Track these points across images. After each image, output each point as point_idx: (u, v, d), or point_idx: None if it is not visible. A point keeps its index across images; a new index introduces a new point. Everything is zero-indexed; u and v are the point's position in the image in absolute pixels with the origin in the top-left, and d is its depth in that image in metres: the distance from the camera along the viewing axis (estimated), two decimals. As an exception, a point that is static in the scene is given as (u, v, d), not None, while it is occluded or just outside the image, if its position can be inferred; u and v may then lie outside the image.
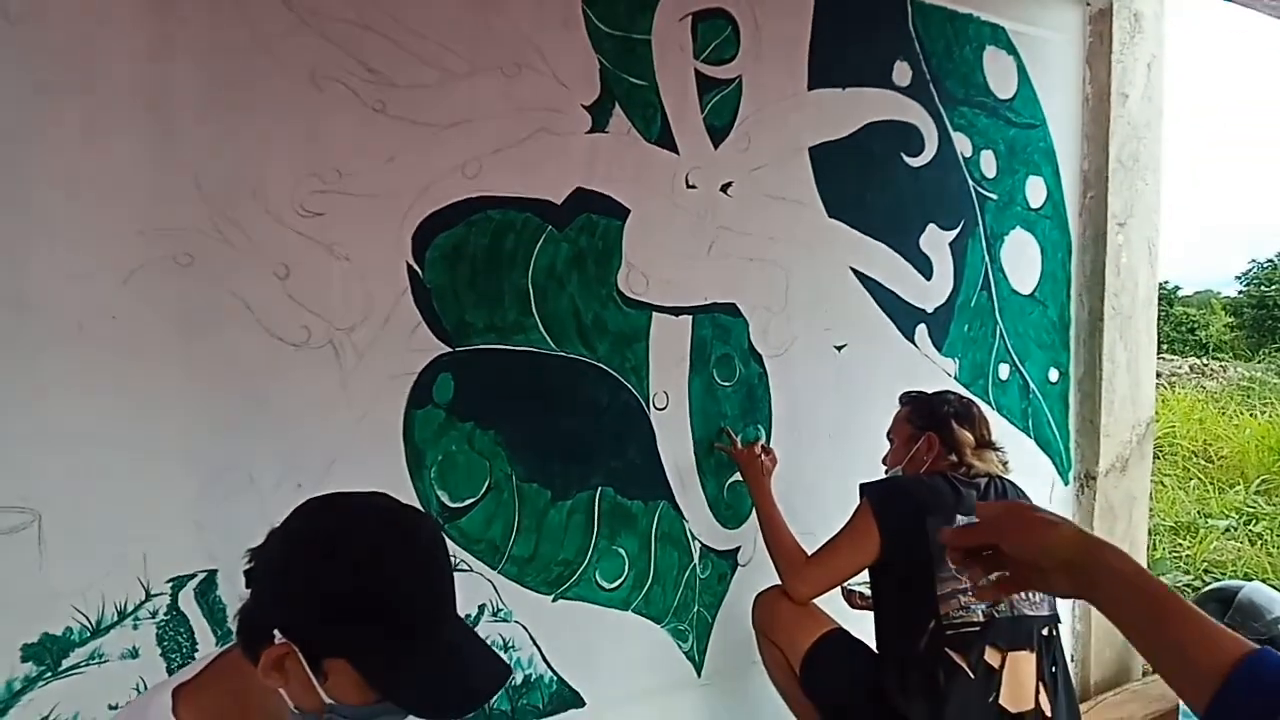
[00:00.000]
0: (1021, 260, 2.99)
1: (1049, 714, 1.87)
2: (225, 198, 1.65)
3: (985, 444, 2.12)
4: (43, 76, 1.50)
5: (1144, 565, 3.35)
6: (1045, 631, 1.93)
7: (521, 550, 2.03)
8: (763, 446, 2.29)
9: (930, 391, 2.22)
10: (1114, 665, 3.19)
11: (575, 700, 2.11)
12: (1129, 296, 3.19)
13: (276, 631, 0.96)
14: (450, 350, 1.93)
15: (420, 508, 1.76)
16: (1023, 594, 1.93)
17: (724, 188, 2.32)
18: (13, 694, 1.48)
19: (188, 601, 1.63)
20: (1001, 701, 1.84)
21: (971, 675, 1.84)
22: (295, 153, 1.72)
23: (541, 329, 2.06)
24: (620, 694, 2.17)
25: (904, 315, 2.70)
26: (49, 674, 1.51)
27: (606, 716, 2.15)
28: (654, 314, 2.23)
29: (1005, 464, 2.12)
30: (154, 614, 1.60)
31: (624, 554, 2.18)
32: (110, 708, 1.51)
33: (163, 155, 1.60)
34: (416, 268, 1.87)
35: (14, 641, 1.48)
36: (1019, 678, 1.87)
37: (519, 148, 1.99)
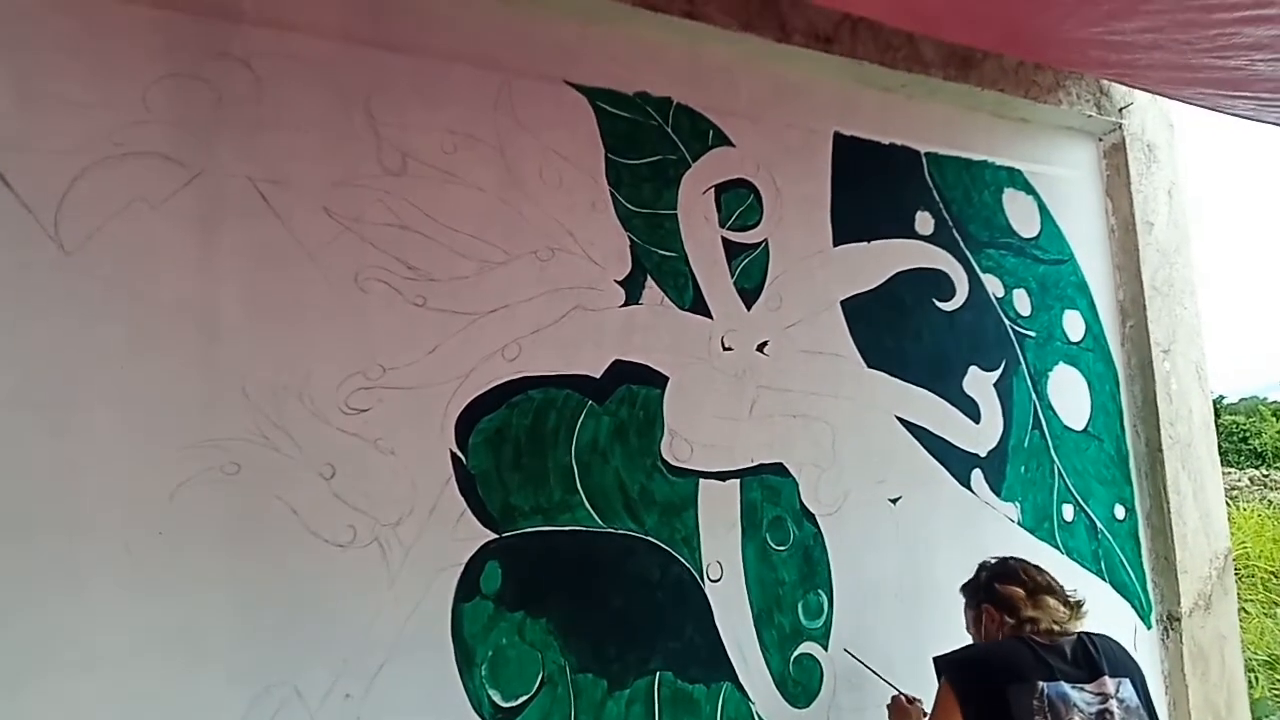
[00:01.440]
0: (1070, 395, 2.92)
1: None
2: (272, 403, 1.66)
3: (1038, 590, 1.98)
4: (93, 300, 1.54)
5: (1247, 714, 3.08)
6: None
7: (581, 749, 1.90)
8: (908, 697, 2.12)
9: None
10: (1235, 830, 2.89)
11: None
12: (1185, 424, 3.10)
13: None
14: (497, 536, 1.88)
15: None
16: None
17: (760, 347, 2.32)
18: None
19: (232, 836, 1.53)
20: None
21: None
22: (340, 352, 1.74)
23: (588, 506, 2.01)
24: None
25: (957, 461, 2.62)
26: None
27: None
28: (700, 480, 2.18)
29: (1076, 605, 1.97)
30: None
31: (689, 745, 2.04)
32: None
33: (210, 366, 1.62)
34: (460, 454, 1.85)
35: None
36: None
37: (556, 326, 2.00)
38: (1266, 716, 4.06)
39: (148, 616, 1.51)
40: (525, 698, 1.86)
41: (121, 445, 1.52)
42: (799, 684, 2.22)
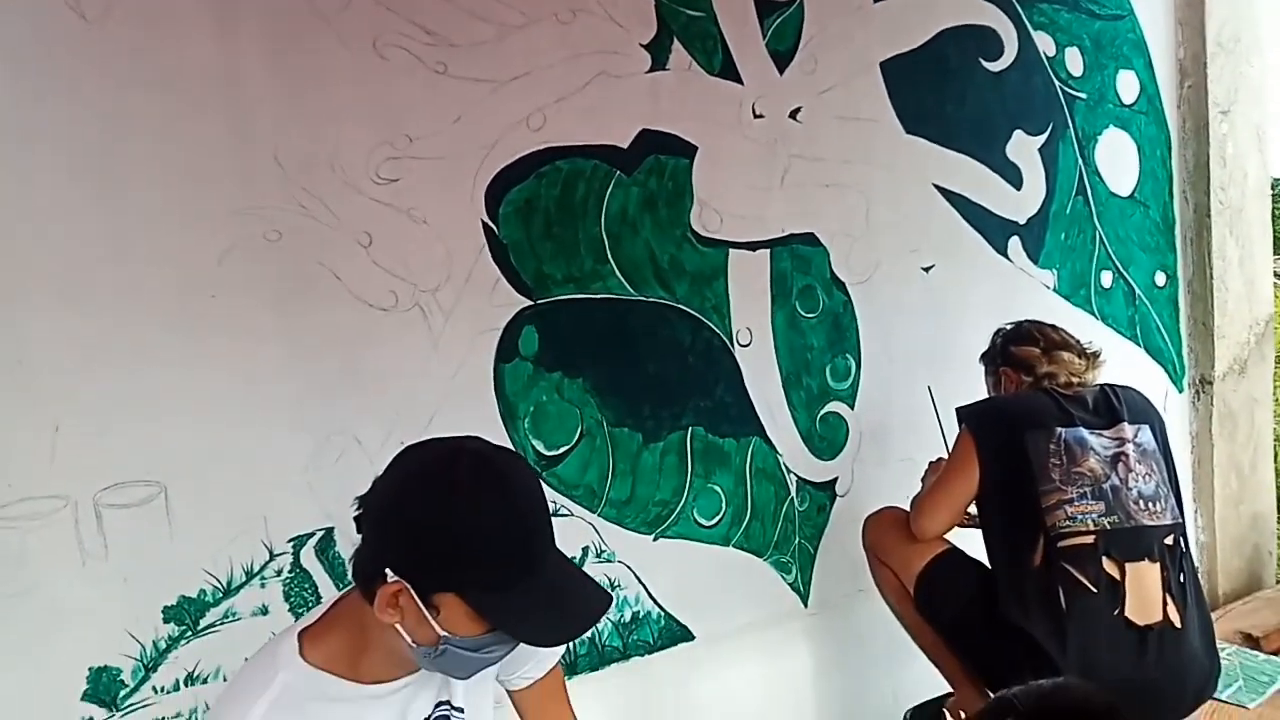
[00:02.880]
0: (1118, 161, 2.83)
1: (1179, 625, 1.80)
2: (304, 172, 1.69)
3: (1052, 346, 2.01)
4: (121, 71, 1.55)
5: (1270, 472, 3.17)
6: (1168, 541, 1.85)
7: (618, 493, 2.06)
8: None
9: None
10: (1243, 575, 3.05)
11: (685, 634, 2.15)
12: (1237, 189, 3.00)
13: (388, 570, 1.01)
14: (532, 303, 1.96)
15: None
16: (1140, 503, 1.85)
17: (793, 114, 2.27)
18: (160, 653, 1.60)
19: (309, 559, 1.72)
20: (1128, 614, 1.78)
21: (1093, 589, 1.78)
22: (366, 122, 1.75)
23: (619, 275, 2.06)
24: (729, 627, 2.20)
25: (995, 229, 2.60)
26: (189, 634, 1.62)
27: (717, 649, 2.18)
28: (730, 250, 2.20)
29: (1093, 356, 2.01)
30: (279, 572, 1.70)
31: (720, 491, 2.20)
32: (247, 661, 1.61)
33: (241, 136, 1.65)
34: (491, 224, 1.90)
35: (155, 605, 1.60)
36: (1144, 589, 1.80)
37: (580, 94, 1.98)
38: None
39: (211, 372, 1.64)
40: (566, 448, 2.00)
41: (165, 213, 1.58)
42: (824, 439, 2.34)
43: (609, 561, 2.05)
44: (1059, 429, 1.87)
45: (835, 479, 2.36)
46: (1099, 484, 1.84)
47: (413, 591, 1.00)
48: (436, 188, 1.83)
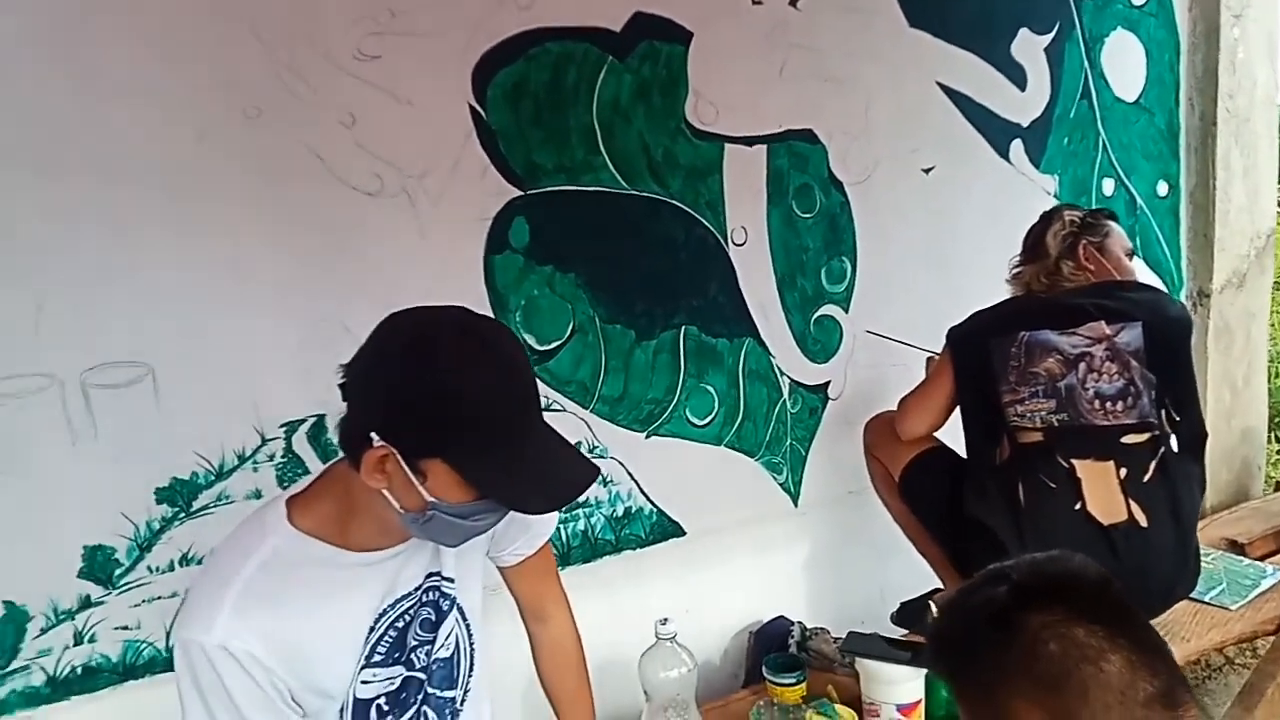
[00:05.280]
0: (1125, 64, 2.76)
1: (1144, 525, 1.77)
2: (284, 45, 1.63)
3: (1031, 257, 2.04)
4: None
5: (1264, 388, 3.17)
6: (1127, 440, 1.81)
7: (611, 390, 2.05)
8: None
9: None
10: (1232, 487, 3.08)
11: (676, 530, 2.17)
12: (1245, 97, 2.93)
13: (374, 435, 1.00)
14: (522, 194, 1.91)
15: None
16: (1095, 403, 1.83)
17: (792, 1, 2.18)
18: (154, 533, 1.60)
19: (301, 444, 1.71)
20: (1090, 510, 1.77)
21: (1052, 485, 1.79)
22: (346, -7, 1.68)
23: (611, 167, 2.01)
24: (720, 523, 2.21)
25: (997, 131, 2.54)
26: (183, 514, 1.62)
27: (708, 544, 2.20)
28: (726, 145, 2.15)
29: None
30: (271, 457, 1.69)
31: (713, 391, 2.18)
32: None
33: (216, 7, 1.58)
34: (479, 109, 1.84)
35: (148, 485, 1.59)
36: (1105, 488, 1.79)
37: (571, -28, 1.90)
38: (1284, 400, 4.18)
39: (194, 254, 1.60)
40: (558, 343, 1.98)
41: (140, 83, 1.53)
42: (818, 342, 2.32)
43: (601, 457, 2.05)
44: (1022, 333, 1.86)
45: (828, 382, 2.35)
46: (1054, 382, 1.83)
47: (399, 456, 0.99)
48: (422, 67, 1.77)
